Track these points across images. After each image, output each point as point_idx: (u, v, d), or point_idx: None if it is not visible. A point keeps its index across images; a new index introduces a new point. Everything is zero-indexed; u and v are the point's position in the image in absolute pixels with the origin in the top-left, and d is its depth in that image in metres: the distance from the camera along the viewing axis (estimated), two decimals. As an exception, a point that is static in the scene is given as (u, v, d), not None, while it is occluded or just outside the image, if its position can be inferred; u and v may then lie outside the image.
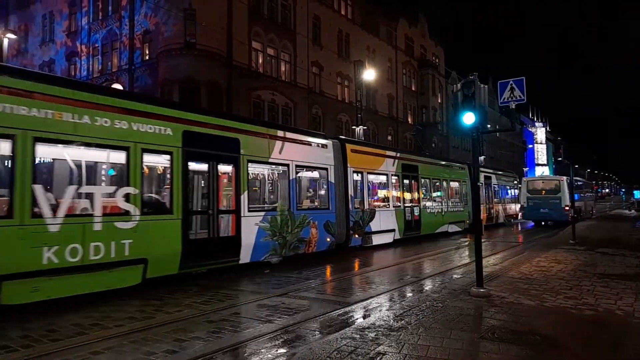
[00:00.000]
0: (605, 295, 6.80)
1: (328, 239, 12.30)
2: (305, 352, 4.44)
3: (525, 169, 77.61)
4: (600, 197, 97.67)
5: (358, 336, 4.83)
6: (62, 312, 6.36)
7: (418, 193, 17.51)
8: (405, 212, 16.37)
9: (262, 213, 10.38)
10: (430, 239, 17.79)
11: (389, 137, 38.05)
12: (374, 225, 14.47)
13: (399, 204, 16.05)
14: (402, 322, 5.38)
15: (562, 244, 14.41)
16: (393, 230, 15.51)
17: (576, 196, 24.13)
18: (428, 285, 8.43)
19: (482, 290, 6.75)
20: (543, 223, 25.64)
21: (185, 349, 4.86)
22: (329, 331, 5.30)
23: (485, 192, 23.48)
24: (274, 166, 11.06)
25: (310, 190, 13.17)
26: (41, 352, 4.78)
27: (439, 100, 45.75)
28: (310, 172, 12.46)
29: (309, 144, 12.15)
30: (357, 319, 6.00)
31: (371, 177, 14.93)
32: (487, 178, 24.10)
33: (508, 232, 22.72)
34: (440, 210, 19.20)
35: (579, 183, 29.58)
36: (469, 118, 6.94)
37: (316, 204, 12.70)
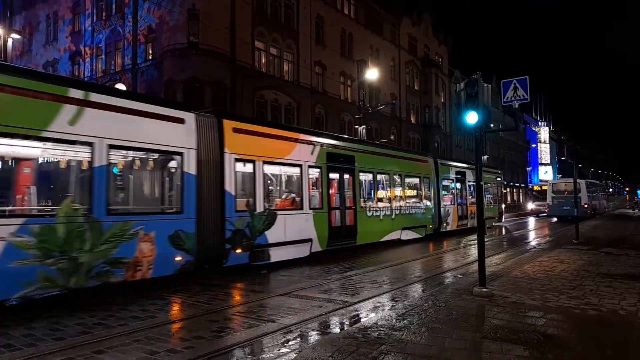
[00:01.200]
0: (609, 295, 6.78)
1: (178, 258, 8.32)
2: (307, 352, 4.44)
3: (529, 168, 77.38)
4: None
5: (360, 336, 4.83)
6: (66, 311, 6.39)
7: (354, 191, 13.53)
8: (331, 216, 12.47)
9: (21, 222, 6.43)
10: (373, 249, 13.93)
11: (392, 137, 38.01)
12: (274, 235, 10.45)
13: (319, 205, 12.11)
14: (405, 321, 5.37)
15: (565, 243, 14.36)
16: (309, 241, 11.53)
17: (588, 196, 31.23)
18: (430, 285, 8.42)
19: (484, 289, 6.73)
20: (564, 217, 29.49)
21: (188, 349, 4.88)
22: (330, 330, 5.30)
23: (458, 191, 20.72)
24: (62, 145, 7.09)
25: (145, 184, 9.11)
26: (44, 350, 4.80)
27: (442, 100, 45.67)
28: (143, 155, 8.44)
29: (142, 114, 8.05)
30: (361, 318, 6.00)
31: (271, 168, 10.96)
32: (460, 174, 21.02)
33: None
34: (389, 213, 15.25)
35: (595, 185, 36.78)
36: (472, 117, 6.93)
37: (155, 205, 8.95)
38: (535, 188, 41.48)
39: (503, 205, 27.25)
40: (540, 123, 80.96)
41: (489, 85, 52.96)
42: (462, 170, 21.42)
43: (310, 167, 11.85)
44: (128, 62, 26.09)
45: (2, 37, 19.33)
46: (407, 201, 16.57)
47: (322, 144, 12.45)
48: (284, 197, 11.59)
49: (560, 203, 29.86)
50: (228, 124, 9.71)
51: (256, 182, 10.13)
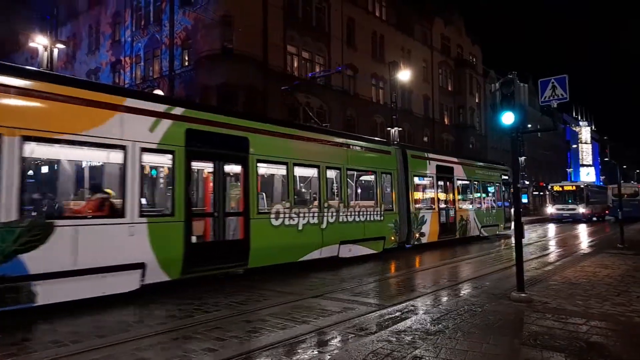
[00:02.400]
0: (657, 302, 6.46)
1: None
2: (341, 354, 4.45)
3: (569, 170, 74.60)
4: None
5: (394, 339, 4.80)
6: (107, 309, 6.64)
7: (245, 189, 9.15)
8: (193, 227, 8.22)
9: None
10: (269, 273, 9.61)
11: (425, 139, 37.52)
12: (47, 260, 6.30)
13: (170, 211, 7.95)
14: (440, 325, 5.30)
15: (609, 248, 13.77)
16: (138, 267, 7.30)
17: None
18: (464, 290, 8.25)
19: (523, 295, 6.55)
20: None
21: (224, 348, 4.97)
22: (365, 333, 5.28)
23: (442, 192, 16.13)
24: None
25: None
26: (88, 347, 5.00)
27: (477, 100, 44.75)
28: None
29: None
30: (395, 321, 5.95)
31: (50, 150, 6.97)
32: (444, 170, 16.24)
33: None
34: (315, 221, 10.70)
35: None
36: (508, 118, 6.76)
37: None
38: (556, 188, 35.43)
39: (512, 210, 23.75)
40: (581, 123, 78.00)
41: (526, 85, 51.50)
42: (447, 165, 16.58)
43: (145, 150, 7.58)
44: (165, 69, 26.89)
45: (49, 48, 20.32)
46: (353, 204, 12.06)
47: (174, 116, 8.06)
48: (86, 196, 7.61)
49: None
50: None
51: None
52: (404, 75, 25.48)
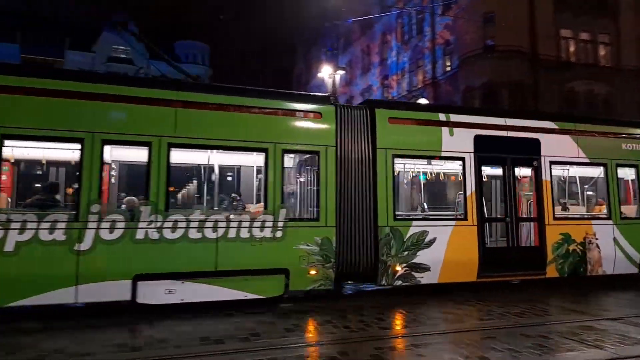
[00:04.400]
0: None
1: None
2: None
3: None
4: None
5: None
6: (390, 305, 7.38)
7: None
8: None
9: None
10: None
11: None
12: None
13: None
14: None
15: None
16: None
17: None
18: None
19: None
20: None
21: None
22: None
23: (480, 183, 8.36)
24: None
25: None
26: (371, 335, 5.66)
27: None
28: None
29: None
30: None
31: None
32: (501, 144, 8.58)
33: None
34: (61, 238, 5.96)
35: None
36: None
37: None
38: None
39: None
40: None
41: None
42: (512, 136, 8.64)
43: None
44: (428, 77, 27.88)
45: (332, 75, 23.99)
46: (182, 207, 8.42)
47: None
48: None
49: None
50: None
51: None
52: None
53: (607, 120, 10.14)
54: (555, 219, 8.61)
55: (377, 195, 7.55)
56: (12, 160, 6.95)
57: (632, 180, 9.81)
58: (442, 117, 8.27)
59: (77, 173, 6.19)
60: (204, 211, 6.84)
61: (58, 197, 6.95)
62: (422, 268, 7.66)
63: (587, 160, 9.12)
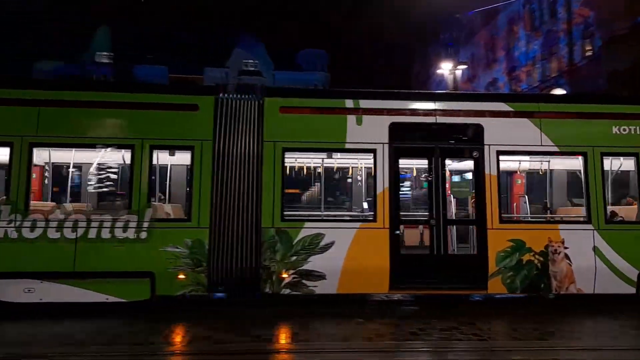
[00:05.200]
0: None
1: None
2: None
3: None
4: None
5: None
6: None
7: None
8: None
9: None
10: None
11: None
12: None
13: None
14: None
15: None
16: None
17: None
18: None
19: None
20: None
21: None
22: None
23: (394, 179, 7.04)
24: None
25: None
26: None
27: None
28: None
29: None
30: None
31: None
32: (429, 131, 7.20)
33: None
34: None
35: None
36: None
37: None
38: None
39: None
40: None
41: None
42: (440, 122, 7.24)
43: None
44: (564, 64, 25.16)
45: (452, 70, 23.02)
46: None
47: None
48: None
49: None
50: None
51: None
52: None
53: (597, 97, 8.31)
54: (502, 221, 6.94)
55: (262, 193, 6.76)
56: None
57: (628, 172, 7.55)
58: (349, 103, 7.14)
59: None
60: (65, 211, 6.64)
61: None
62: (316, 276, 6.62)
63: (554, 149, 7.13)
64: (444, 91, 14.57)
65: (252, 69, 41.04)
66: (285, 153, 6.93)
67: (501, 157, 7.03)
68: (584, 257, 6.80)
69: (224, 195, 6.64)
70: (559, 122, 7.21)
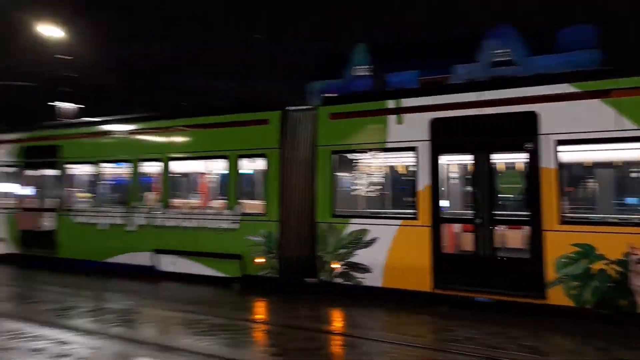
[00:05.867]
0: None
1: None
2: None
3: None
4: None
5: None
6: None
7: None
8: None
9: None
10: None
11: None
12: None
13: None
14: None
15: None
16: None
17: None
18: None
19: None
20: None
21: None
22: None
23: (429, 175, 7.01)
24: None
25: None
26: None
27: None
28: None
29: None
30: None
31: None
32: (467, 127, 6.87)
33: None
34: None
35: None
36: None
37: None
38: None
39: None
40: None
41: None
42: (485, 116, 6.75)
43: None
44: None
45: None
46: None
47: None
48: None
49: None
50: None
51: None
52: None
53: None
54: (564, 222, 6.10)
55: (316, 192, 7.77)
56: None
57: None
58: (390, 104, 7.38)
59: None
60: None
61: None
62: (362, 269, 7.30)
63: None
64: (491, 78, 12.50)
65: (504, 59, 38.72)
66: (333, 155, 7.74)
67: (563, 148, 6.24)
68: None
69: (289, 194, 8.08)
70: None
